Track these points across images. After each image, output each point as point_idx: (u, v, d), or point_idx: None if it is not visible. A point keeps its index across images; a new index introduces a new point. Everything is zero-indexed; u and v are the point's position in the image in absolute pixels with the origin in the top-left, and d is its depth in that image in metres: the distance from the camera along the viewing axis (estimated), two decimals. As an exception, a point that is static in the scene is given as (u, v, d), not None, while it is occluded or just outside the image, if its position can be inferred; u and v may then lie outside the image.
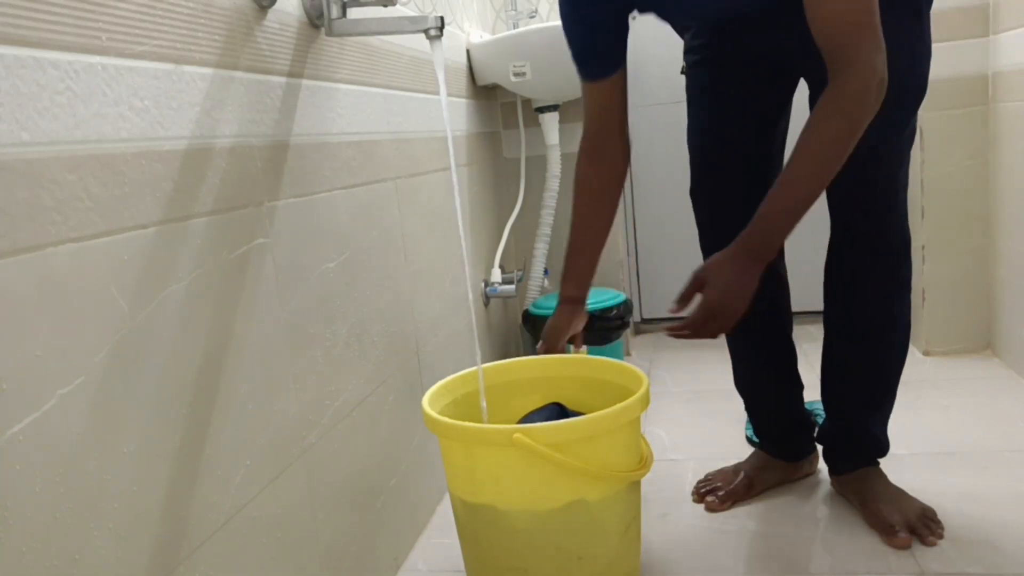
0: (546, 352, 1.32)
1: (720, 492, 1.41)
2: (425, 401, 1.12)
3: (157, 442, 0.73)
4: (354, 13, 1.11)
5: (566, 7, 1.19)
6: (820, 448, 1.44)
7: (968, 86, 1.95)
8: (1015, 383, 1.85)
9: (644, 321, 2.62)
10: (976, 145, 1.98)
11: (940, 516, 1.27)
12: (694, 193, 1.37)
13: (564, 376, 1.30)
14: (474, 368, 1.23)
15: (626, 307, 2.07)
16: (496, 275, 1.95)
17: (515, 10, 2.25)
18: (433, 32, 1.02)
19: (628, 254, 2.49)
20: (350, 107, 1.18)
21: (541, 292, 2.16)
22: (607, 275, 2.30)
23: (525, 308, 2.11)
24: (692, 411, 1.87)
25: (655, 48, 2.33)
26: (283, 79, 0.99)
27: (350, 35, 1.13)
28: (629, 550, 1.12)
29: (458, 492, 1.11)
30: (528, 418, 1.29)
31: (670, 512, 1.40)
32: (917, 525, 1.23)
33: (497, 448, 1.01)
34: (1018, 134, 1.81)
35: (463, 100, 1.86)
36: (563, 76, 1.99)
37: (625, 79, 1.22)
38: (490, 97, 2.12)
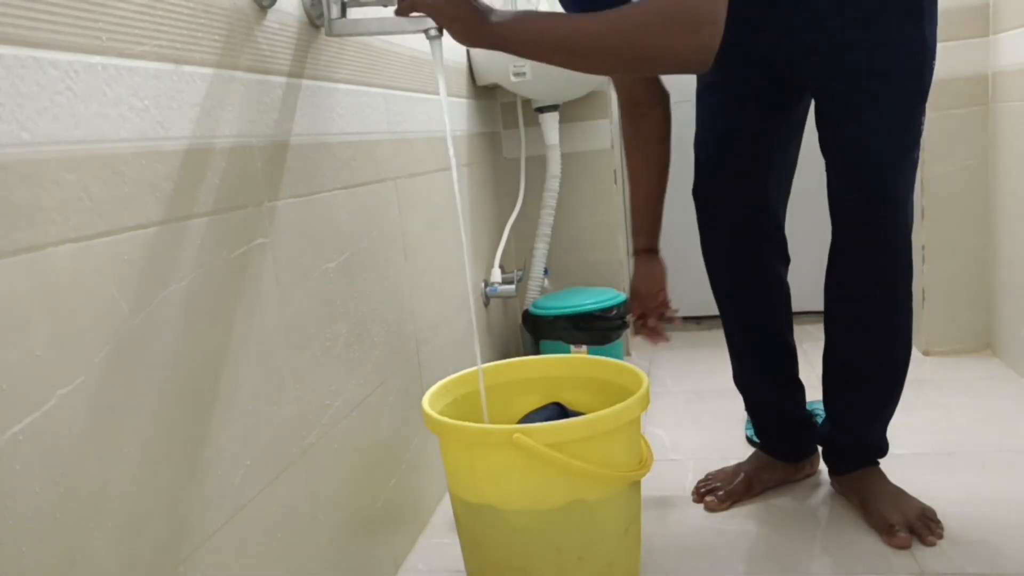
0: (642, 312, 1.38)
1: (720, 492, 1.41)
2: (425, 401, 1.12)
3: (157, 442, 0.73)
4: (354, 13, 1.11)
5: None
6: (820, 448, 1.44)
7: (968, 86, 1.95)
8: (1015, 383, 1.85)
9: (644, 321, 2.62)
10: (976, 145, 1.98)
11: (940, 516, 1.27)
12: (696, 191, 1.37)
13: (564, 376, 1.30)
14: (474, 368, 1.23)
15: (626, 307, 2.07)
16: (496, 275, 1.95)
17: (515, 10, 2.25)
18: (433, 32, 1.02)
19: (628, 254, 2.49)
20: (350, 107, 1.18)
21: (541, 292, 2.16)
22: (607, 275, 2.30)
23: (525, 308, 2.12)
24: (692, 411, 1.87)
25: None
26: (283, 79, 0.99)
27: (350, 35, 1.13)
28: (629, 550, 1.12)
29: (458, 492, 1.11)
30: (528, 418, 1.29)
31: (670, 512, 1.40)
32: (917, 525, 1.23)
33: (497, 448, 1.01)
34: (1018, 134, 1.81)
35: (463, 100, 1.86)
36: (563, 76, 1.99)
37: None
38: (490, 97, 2.12)
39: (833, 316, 1.31)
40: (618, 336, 2.06)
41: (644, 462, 1.11)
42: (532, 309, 2.07)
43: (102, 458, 0.66)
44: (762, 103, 1.29)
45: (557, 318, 2.00)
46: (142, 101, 0.73)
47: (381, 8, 1.16)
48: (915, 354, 2.04)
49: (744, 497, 1.42)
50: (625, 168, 1.35)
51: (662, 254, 1.40)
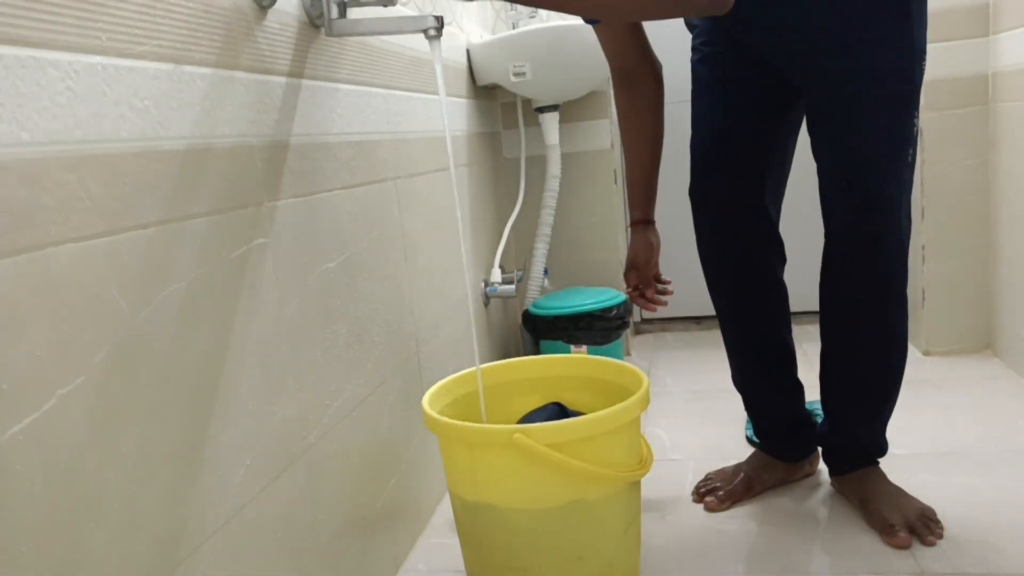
0: (637, 282, 1.40)
1: (720, 492, 1.41)
2: (425, 401, 1.12)
3: (157, 442, 0.73)
4: (354, 13, 1.12)
5: None
6: (820, 448, 1.44)
7: (968, 86, 1.95)
8: (1015, 383, 1.85)
9: (644, 321, 2.62)
10: (976, 145, 1.98)
11: (940, 516, 1.26)
12: (693, 192, 1.37)
13: (564, 376, 1.31)
14: (474, 368, 1.23)
15: (626, 307, 2.07)
16: (496, 275, 1.95)
17: (515, 10, 2.25)
18: (432, 32, 1.02)
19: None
20: (350, 107, 1.18)
21: (541, 292, 2.16)
22: (607, 275, 2.30)
23: (525, 308, 2.12)
24: (692, 411, 1.87)
25: (655, 47, 2.32)
26: (283, 79, 0.99)
27: (350, 35, 1.13)
28: (629, 550, 1.12)
29: (458, 492, 1.11)
30: (528, 418, 1.29)
31: (670, 512, 1.40)
32: (917, 525, 1.23)
33: (497, 448, 1.01)
34: (1018, 134, 1.81)
35: (463, 100, 1.86)
36: (563, 76, 2.00)
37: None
38: (490, 97, 2.12)
39: (828, 317, 1.31)
40: (618, 336, 2.06)
41: (644, 462, 1.11)
42: (532, 309, 2.07)
43: (102, 458, 0.66)
44: (759, 104, 1.29)
45: (557, 318, 2.00)
46: (142, 101, 0.73)
47: (381, 8, 1.16)
48: (915, 354, 2.04)
49: (744, 497, 1.42)
50: (620, 140, 1.37)
51: (657, 226, 1.41)
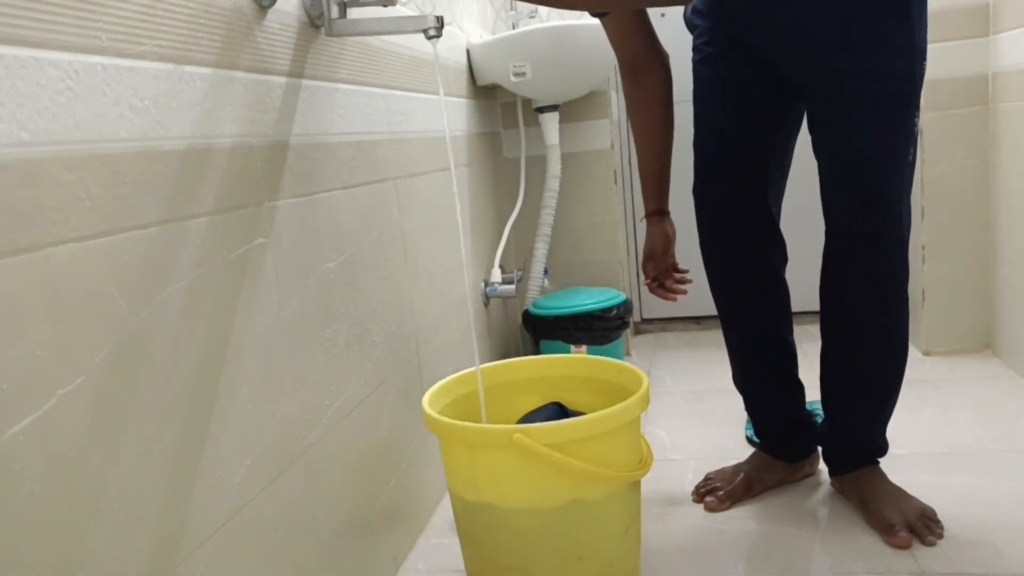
0: (655, 272, 1.40)
1: (720, 492, 1.41)
2: (425, 401, 1.12)
3: (157, 442, 0.73)
4: (354, 13, 1.12)
5: None
6: (820, 448, 1.44)
7: (968, 86, 1.95)
8: (1015, 383, 1.85)
9: (644, 321, 2.62)
10: (976, 145, 1.98)
11: (940, 516, 1.26)
12: (696, 191, 1.37)
13: (564, 376, 1.31)
14: (474, 368, 1.23)
15: (626, 307, 2.07)
16: (496, 275, 1.95)
17: (515, 10, 2.25)
18: (432, 32, 1.02)
19: (628, 254, 2.49)
20: (350, 107, 1.18)
21: (541, 292, 2.16)
22: (607, 275, 2.30)
23: (525, 308, 2.12)
24: (692, 411, 1.87)
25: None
26: (283, 79, 0.99)
27: (350, 35, 1.13)
28: (629, 550, 1.12)
29: (458, 492, 1.11)
30: (528, 418, 1.29)
31: (670, 512, 1.40)
32: (917, 524, 1.23)
33: (497, 448, 1.01)
34: (1018, 134, 1.81)
35: (463, 100, 1.86)
36: (563, 76, 2.00)
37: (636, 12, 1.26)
38: (490, 97, 2.12)
39: (828, 316, 1.31)
40: (618, 336, 2.06)
41: (644, 462, 1.11)
42: (532, 309, 2.07)
43: (102, 458, 0.66)
44: (759, 104, 1.29)
45: (557, 318, 2.00)
46: (142, 101, 0.73)
47: (381, 8, 1.16)
48: (915, 354, 2.04)
49: (744, 497, 1.42)
50: (631, 132, 1.37)
51: (672, 216, 1.41)
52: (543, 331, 2.03)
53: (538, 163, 2.18)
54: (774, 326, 1.40)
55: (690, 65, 1.36)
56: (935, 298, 2.07)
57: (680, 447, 1.66)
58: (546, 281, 2.20)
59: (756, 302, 1.39)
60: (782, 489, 1.45)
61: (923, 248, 2.04)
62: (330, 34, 1.09)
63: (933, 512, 1.26)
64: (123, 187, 0.70)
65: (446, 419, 1.05)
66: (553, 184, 2.13)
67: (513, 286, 1.93)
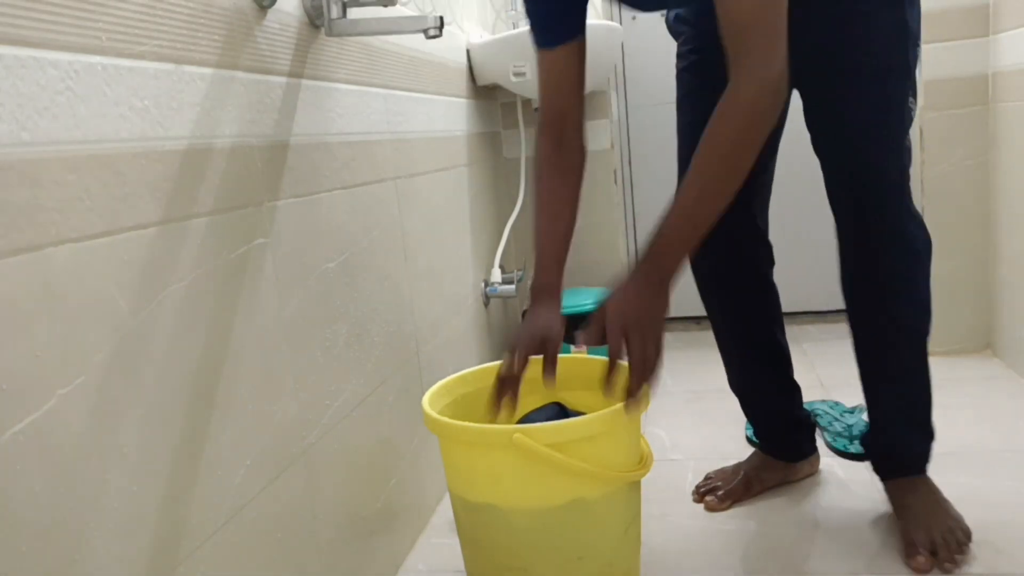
0: (553, 351, 1.11)
1: (720, 492, 1.41)
2: (425, 401, 1.12)
3: (157, 442, 0.73)
4: (354, 13, 1.12)
5: None
6: (817, 450, 1.42)
7: (968, 86, 1.95)
8: (1015, 383, 1.85)
9: (644, 321, 2.62)
10: (976, 145, 1.98)
11: (960, 515, 1.23)
12: None
13: (564, 376, 1.30)
14: (474, 368, 1.23)
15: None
16: (496, 275, 1.95)
17: (515, 10, 2.25)
18: (432, 32, 1.02)
19: (628, 254, 2.49)
20: (350, 107, 1.18)
21: (541, 292, 2.15)
22: (607, 275, 2.30)
23: (525, 308, 2.11)
24: (692, 411, 1.87)
25: (655, 47, 2.33)
26: (283, 79, 0.99)
27: (350, 35, 1.13)
28: (629, 550, 1.12)
29: (458, 492, 1.11)
30: (528, 418, 1.28)
31: (670, 512, 1.40)
32: (940, 545, 1.18)
33: (497, 448, 1.01)
34: (1018, 134, 1.81)
35: (463, 100, 1.86)
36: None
37: (584, 50, 1.13)
38: (490, 97, 2.12)
39: (853, 313, 1.27)
40: (618, 336, 2.05)
41: (644, 462, 1.11)
42: (532, 309, 2.07)
43: (102, 458, 0.66)
44: None
45: (557, 318, 2.00)
46: (142, 101, 0.73)
47: (381, 8, 1.16)
48: (915, 354, 2.04)
49: (744, 497, 1.42)
50: (537, 196, 1.17)
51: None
52: (543, 331, 2.03)
53: (538, 163, 2.18)
54: (764, 328, 1.39)
55: (673, 69, 1.35)
56: (935, 298, 2.06)
57: (680, 447, 1.66)
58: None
59: (745, 306, 1.38)
60: (782, 489, 1.45)
61: (923, 248, 2.04)
62: (330, 34, 1.09)
63: (966, 531, 1.20)
64: (123, 187, 0.70)
65: (446, 419, 1.05)
66: (553, 184, 2.13)
67: (513, 286, 1.93)
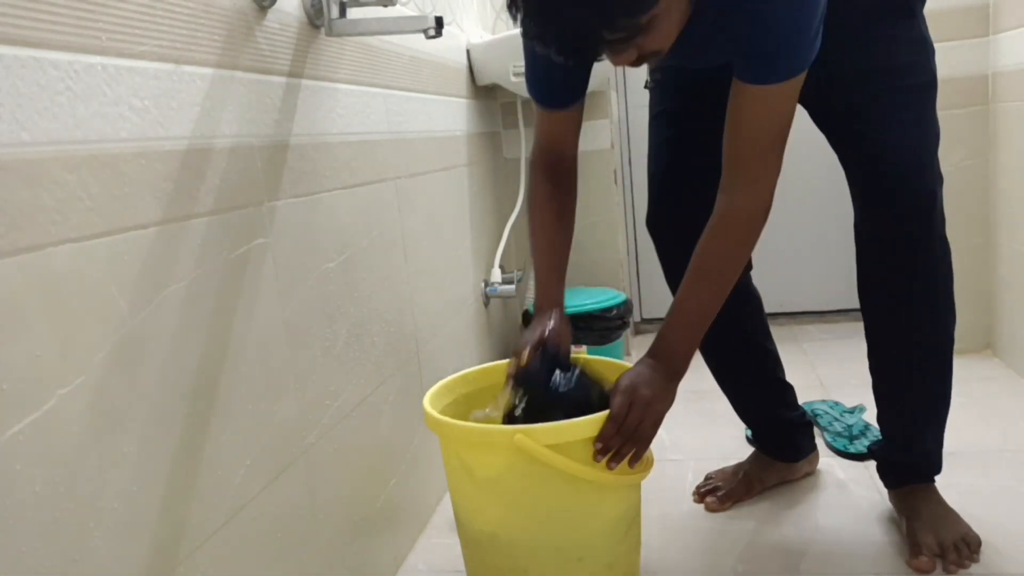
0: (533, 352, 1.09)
1: (720, 492, 1.41)
2: (425, 401, 1.12)
3: (157, 442, 0.73)
4: (354, 13, 1.12)
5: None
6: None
7: (968, 86, 1.95)
8: (1015, 383, 1.85)
9: (644, 321, 2.62)
10: (976, 145, 1.98)
11: (968, 523, 1.22)
12: (650, 223, 1.35)
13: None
14: (474, 368, 1.23)
15: (626, 307, 2.07)
16: (496, 275, 1.95)
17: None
18: (432, 32, 1.02)
19: (628, 254, 2.49)
20: (350, 107, 1.18)
21: (541, 292, 2.15)
22: (607, 275, 2.30)
23: (525, 308, 2.11)
24: (692, 411, 1.87)
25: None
26: (283, 79, 0.99)
27: (350, 35, 1.13)
28: (629, 550, 1.12)
29: (458, 492, 1.11)
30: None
31: (670, 512, 1.40)
32: (949, 549, 1.17)
33: (498, 448, 1.01)
34: (1018, 134, 1.81)
35: (463, 100, 1.86)
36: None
37: (583, 108, 1.15)
38: (490, 97, 2.12)
39: (878, 322, 1.24)
40: (618, 336, 2.06)
41: (644, 463, 1.11)
42: (532, 309, 2.07)
43: (102, 458, 0.66)
44: (713, 129, 1.28)
45: (557, 318, 2.00)
46: (142, 101, 0.73)
47: (381, 8, 1.16)
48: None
49: (744, 497, 1.42)
50: (534, 232, 1.20)
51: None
52: (543, 331, 2.03)
53: (538, 163, 2.18)
54: (750, 335, 1.38)
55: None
56: (935, 298, 2.07)
57: (680, 447, 1.66)
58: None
59: (731, 315, 1.35)
60: (782, 489, 1.45)
61: (923, 248, 2.04)
62: (330, 34, 1.09)
63: (975, 540, 1.20)
64: (123, 187, 0.70)
65: (446, 419, 1.05)
66: (553, 184, 2.13)
67: (513, 286, 1.93)
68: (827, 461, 1.52)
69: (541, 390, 1.04)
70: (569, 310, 2.09)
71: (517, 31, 2.04)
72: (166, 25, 0.77)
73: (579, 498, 1.03)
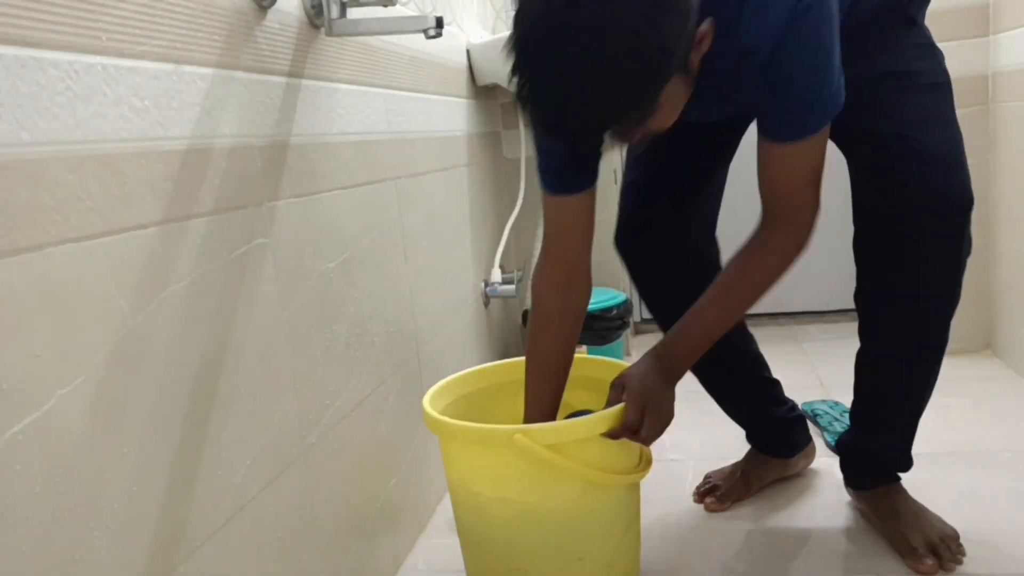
0: None
1: (719, 492, 1.41)
2: (425, 401, 1.12)
3: (157, 442, 0.73)
4: (354, 13, 1.12)
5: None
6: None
7: (968, 86, 1.94)
8: (1015, 383, 1.85)
9: (644, 321, 2.62)
10: (976, 145, 1.97)
11: (939, 516, 1.25)
12: (620, 241, 1.35)
13: (564, 376, 1.30)
14: (474, 368, 1.23)
15: (626, 307, 2.07)
16: (496, 275, 1.95)
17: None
18: (432, 32, 1.02)
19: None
20: (350, 107, 1.18)
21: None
22: (607, 275, 2.30)
23: (525, 308, 2.11)
24: (692, 411, 1.86)
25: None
26: (283, 79, 0.99)
27: (350, 35, 1.13)
28: (629, 550, 1.12)
29: (458, 492, 1.11)
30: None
31: (670, 512, 1.40)
32: (940, 547, 1.17)
33: (497, 448, 1.01)
34: (1018, 134, 1.81)
35: (463, 100, 1.86)
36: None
37: (594, 198, 1.11)
38: (490, 97, 2.12)
39: (875, 322, 1.22)
40: (618, 336, 2.06)
41: (644, 463, 1.11)
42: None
43: (102, 458, 0.66)
44: (691, 153, 1.27)
45: (557, 318, 2.00)
46: (142, 101, 0.73)
47: (381, 8, 1.16)
48: (915, 354, 2.03)
49: (744, 496, 1.42)
50: (531, 352, 1.17)
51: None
52: (543, 331, 2.03)
53: (538, 163, 2.18)
54: (730, 342, 1.36)
55: None
56: (935, 298, 2.07)
57: (680, 447, 1.66)
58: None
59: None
60: (782, 488, 1.45)
61: (923, 248, 2.04)
62: (330, 34, 1.09)
63: (956, 534, 1.20)
64: (123, 187, 0.70)
65: (446, 419, 1.05)
66: (553, 184, 2.13)
67: (513, 286, 1.93)
68: (827, 461, 1.52)
69: None
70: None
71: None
72: (166, 25, 0.77)
73: (578, 498, 1.03)
